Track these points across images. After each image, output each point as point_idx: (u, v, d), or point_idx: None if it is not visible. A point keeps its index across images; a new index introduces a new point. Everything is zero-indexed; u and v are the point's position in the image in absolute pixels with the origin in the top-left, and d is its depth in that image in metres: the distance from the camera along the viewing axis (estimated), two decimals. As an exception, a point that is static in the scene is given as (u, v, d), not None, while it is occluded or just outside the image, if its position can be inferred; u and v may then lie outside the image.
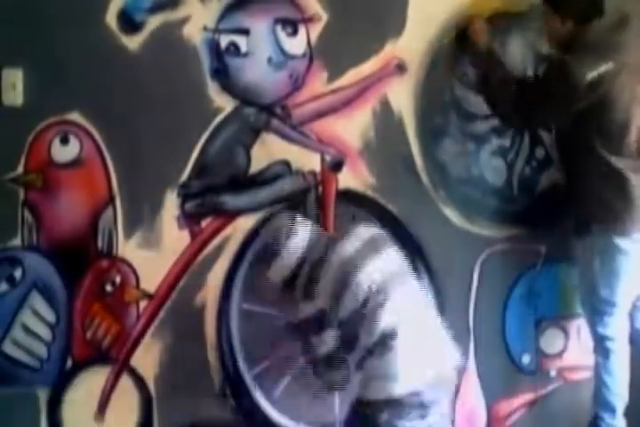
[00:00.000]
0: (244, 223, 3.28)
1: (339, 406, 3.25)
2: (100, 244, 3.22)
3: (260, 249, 3.09)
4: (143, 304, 3.25)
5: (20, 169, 3.17)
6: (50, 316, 3.21)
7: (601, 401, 3.26)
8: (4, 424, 3.18)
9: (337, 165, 3.32)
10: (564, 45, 3.13)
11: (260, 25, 3.25)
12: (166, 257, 3.25)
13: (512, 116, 3.30)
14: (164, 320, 3.26)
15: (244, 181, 3.28)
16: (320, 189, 3.31)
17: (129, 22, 3.17)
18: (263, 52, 3.26)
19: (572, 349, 3.54)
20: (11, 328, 3.18)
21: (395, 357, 2.67)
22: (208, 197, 3.26)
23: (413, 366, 2.68)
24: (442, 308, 3.35)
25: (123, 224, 3.22)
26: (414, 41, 3.32)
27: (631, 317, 3.27)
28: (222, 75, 3.24)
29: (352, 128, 3.33)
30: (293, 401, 3.29)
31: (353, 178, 3.34)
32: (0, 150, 3.15)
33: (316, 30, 3.27)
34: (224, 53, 3.24)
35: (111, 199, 3.21)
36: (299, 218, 2.96)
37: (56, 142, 3.18)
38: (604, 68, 2.98)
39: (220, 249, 3.28)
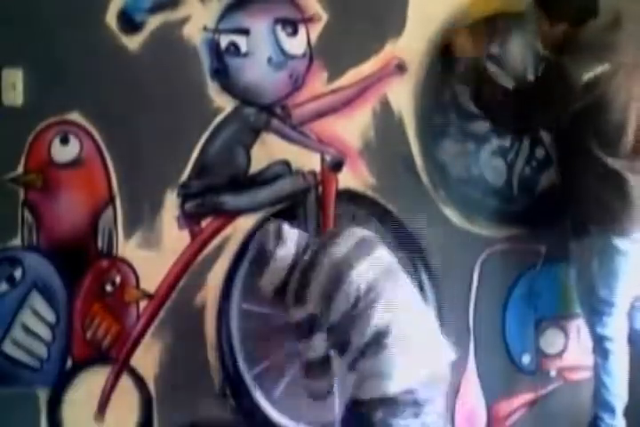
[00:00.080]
0: (244, 223, 3.28)
1: (338, 406, 3.25)
2: (100, 244, 3.22)
3: (251, 259, 3.08)
4: (143, 304, 3.25)
5: (20, 169, 3.17)
6: (50, 316, 3.21)
7: (600, 401, 3.26)
8: (3, 424, 3.18)
9: (337, 165, 3.32)
10: (558, 47, 3.13)
11: (260, 25, 3.25)
12: (166, 257, 3.25)
13: (509, 124, 3.30)
14: (163, 320, 3.26)
15: (244, 181, 3.28)
16: (320, 189, 3.31)
17: (129, 22, 3.17)
18: (263, 52, 3.26)
19: (572, 349, 3.54)
20: (11, 328, 3.19)
21: (388, 355, 2.67)
22: (208, 197, 3.26)
23: (407, 364, 2.68)
24: (442, 308, 3.37)
25: (123, 224, 3.22)
26: (414, 41, 3.32)
27: (630, 317, 3.27)
28: (222, 75, 3.24)
29: (352, 128, 3.33)
30: (293, 401, 3.29)
31: (353, 178, 3.34)
32: (0, 150, 3.15)
33: (316, 30, 3.27)
34: (224, 53, 3.24)
35: (111, 199, 3.21)
36: (285, 225, 2.94)
37: (56, 142, 3.19)
38: (600, 68, 2.98)
39: (220, 249, 3.28)
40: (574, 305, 3.45)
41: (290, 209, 3.29)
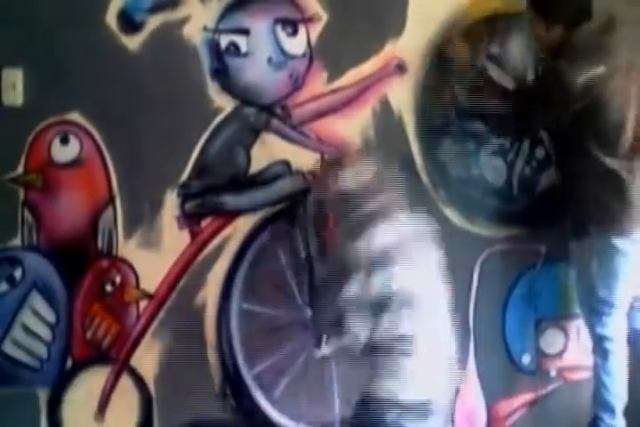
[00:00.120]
0: (244, 223, 3.28)
1: (339, 406, 3.25)
2: (100, 244, 3.22)
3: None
4: (143, 304, 3.25)
5: (20, 169, 3.17)
6: (50, 316, 3.21)
7: (600, 401, 3.26)
8: (4, 424, 3.18)
9: (337, 165, 3.32)
10: (554, 50, 3.14)
11: (260, 25, 3.25)
12: (166, 257, 3.25)
13: (508, 125, 3.32)
14: (163, 320, 3.26)
15: (244, 181, 3.28)
16: (320, 189, 3.31)
17: (129, 22, 3.17)
18: (263, 52, 3.26)
19: (572, 349, 3.54)
20: (11, 328, 3.19)
21: (407, 361, 2.68)
22: (208, 197, 3.26)
23: (422, 375, 2.70)
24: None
25: (123, 224, 3.22)
26: (414, 41, 3.32)
27: (629, 317, 3.27)
28: (222, 75, 3.24)
29: (352, 128, 3.32)
30: (293, 401, 3.29)
31: (353, 178, 3.33)
32: (0, 150, 3.15)
33: (316, 30, 3.27)
34: (224, 53, 3.24)
35: (111, 199, 3.21)
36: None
37: (56, 142, 3.19)
38: (596, 71, 2.99)
39: (220, 249, 3.28)
40: (574, 305, 3.45)
41: (290, 209, 3.29)
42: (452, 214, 3.40)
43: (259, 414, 3.32)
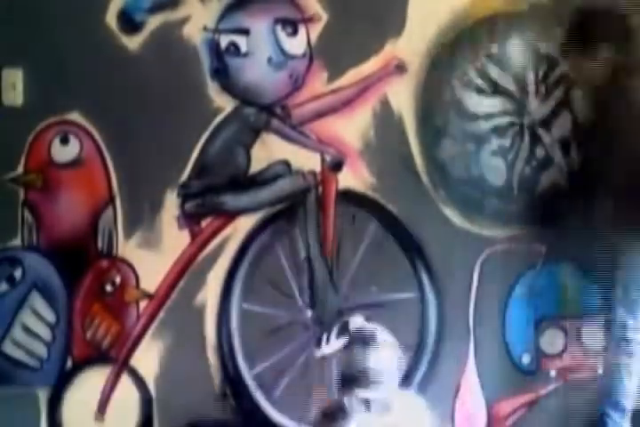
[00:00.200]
0: (244, 223, 3.28)
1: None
2: (100, 244, 3.22)
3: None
4: (143, 304, 3.25)
5: (20, 169, 3.18)
6: (50, 316, 3.21)
7: (612, 400, 3.26)
8: (3, 424, 3.18)
9: (337, 165, 3.32)
10: (612, 77, 3.15)
11: (260, 25, 3.25)
12: (166, 257, 3.25)
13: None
14: (163, 320, 3.26)
15: (244, 181, 3.28)
16: (320, 189, 3.31)
17: (129, 22, 3.17)
18: (263, 52, 3.26)
19: (572, 349, 3.54)
20: (11, 328, 3.19)
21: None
22: (208, 197, 3.26)
23: None
24: (442, 308, 3.37)
25: (123, 224, 3.23)
26: (414, 41, 3.32)
27: None
28: (222, 75, 3.24)
29: (352, 128, 3.32)
30: (293, 401, 3.29)
31: (353, 178, 3.33)
32: (0, 150, 3.15)
33: (316, 30, 3.27)
34: (224, 53, 3.24)
35: (111, 199, 3.21)
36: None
37: (56, 142, 3.19)
38: None
39: (220, 249, 3.28)
40: (574, 305, 3.45)
41: (290, 209, 3.29)
42: (451, 214, 3.40)
43: (259, 414, 3.32)
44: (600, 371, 3.39)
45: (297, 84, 3.28)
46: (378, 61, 3.31)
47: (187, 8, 3.19)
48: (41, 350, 3.21)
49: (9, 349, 3.19)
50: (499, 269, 3.43)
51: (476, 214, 3.42)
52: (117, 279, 3.24)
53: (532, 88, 3.38)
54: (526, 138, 3.46)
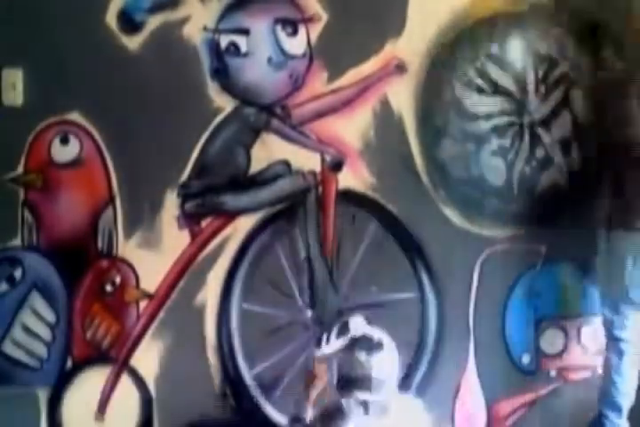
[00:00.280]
0: (244, 223, 3.28)
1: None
2: (100, 244, 3.22)
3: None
4: (143, 304, 3.25)
5: (20, 169, 3.18)
6: (50, 316, 3.21)
7: (608, 400, 3.27)
8: (3, 424, 3.18)
9: (337, 165, 3.32)
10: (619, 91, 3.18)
11: (260, 25, 3.25)
12: (166, 257, 3.25)
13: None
14: (163, 320, 3.26)
15: (244, 181, 3.28)
16: (320, 189, 3.31)
17: (129, 22, 3.17)
18: (263, 52, 3.26)
19: (572, 349, 3.54)
20: (11, 328, 3.19)
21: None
22: (208, 197, 3.26)
23: None
24: (442, 308, 3.37)
25: (123, 224, 3.23)
26: (414, 41, 3.32)
27: None
28: (222, 75, 3.24)
29: (352, 128, 3.33)
30: (293, 401, 3.29)
31: (353, 178, 3.33)
32: (0, 150, 3.15)
33: (316, 30, 3.27)
34: (224, 53, 3.24)
35: (111, 199, 3.21)
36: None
37: (56, 142, 3.19)
38: None
39: (220, 249, 3.28)
40: (574, 305, 3.45)
41: (290, 209, 3.30)
42: (452, 214, 3.40)
43: (259, 414, 3.33)
44: (600, 371, 3.40)
45: (297, 84, 3.28)
46: (378, 61, 3.31)
47: (187, 8, 3.19)
48: (41, 350, 3.21)
49: (9, 349, 3.19)
50: (499, 269, 3.44)
51: (475, 214, 3.42)
52: (117, 279, 3.24)
53: (531, 88, 3.39)
54: (526, 138, 3.46)
